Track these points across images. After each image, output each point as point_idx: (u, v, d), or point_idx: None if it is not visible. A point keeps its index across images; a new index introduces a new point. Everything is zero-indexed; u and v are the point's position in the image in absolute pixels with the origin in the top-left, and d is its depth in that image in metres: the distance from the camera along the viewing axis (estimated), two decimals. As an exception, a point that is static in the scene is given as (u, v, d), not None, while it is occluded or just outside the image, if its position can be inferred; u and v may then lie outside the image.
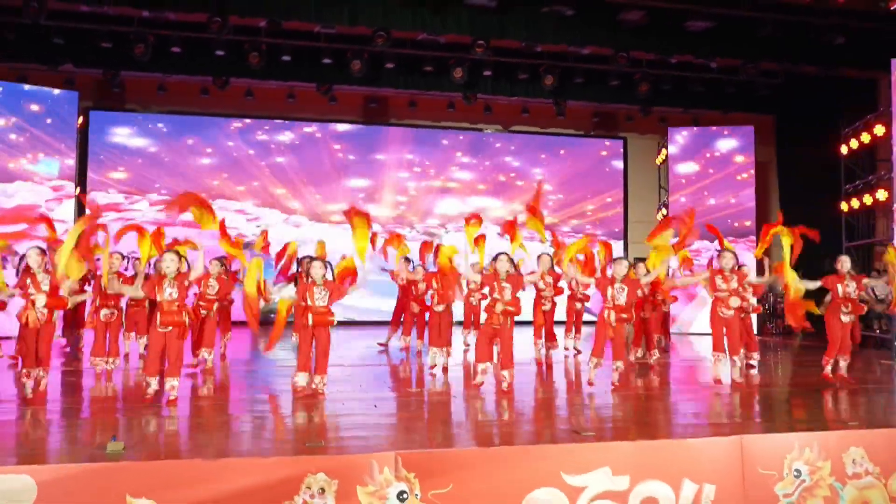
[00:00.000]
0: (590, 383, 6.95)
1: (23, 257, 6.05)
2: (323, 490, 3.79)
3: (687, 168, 15.07)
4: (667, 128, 15.67)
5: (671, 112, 15.91)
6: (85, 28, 11.90)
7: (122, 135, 14.91)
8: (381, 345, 10.32)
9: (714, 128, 15.31)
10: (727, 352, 7.34)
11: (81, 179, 14.07)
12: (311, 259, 7.06)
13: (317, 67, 13.06)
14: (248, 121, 15.46)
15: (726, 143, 15.02)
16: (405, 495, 3.87)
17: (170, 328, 5.84)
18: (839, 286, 7.30)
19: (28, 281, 5.85)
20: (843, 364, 7.36)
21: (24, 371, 5.84)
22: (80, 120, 13.70)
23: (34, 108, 12.83)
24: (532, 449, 4.35)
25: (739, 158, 14.84)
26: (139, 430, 4.94)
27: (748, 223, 14.53)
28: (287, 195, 15.57)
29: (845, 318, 7.28)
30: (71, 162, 13.14)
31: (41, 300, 5.73)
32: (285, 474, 3.78)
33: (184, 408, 5.74)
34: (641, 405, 6.28)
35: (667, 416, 5.96)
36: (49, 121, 12.92)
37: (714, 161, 15.02)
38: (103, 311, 7.55)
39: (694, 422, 5.60)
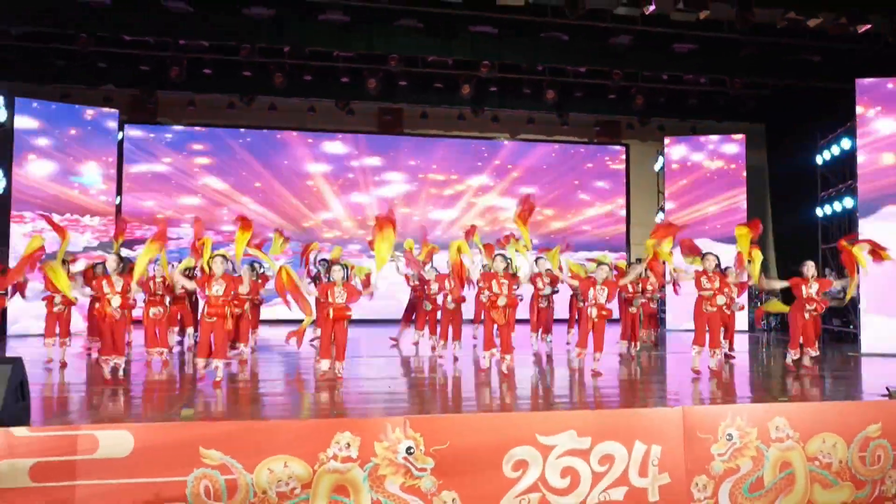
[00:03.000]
0: (576, 371, 7.97)
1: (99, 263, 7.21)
2: (349, 444, 4.87)
3: (682, 174, 16.00)
4: (666, 135, 16.63)
5: (669, 120, 16.87)
6: (126, 53, 13.10)
7: (154, 146, 16.13)
8: (392, 339, 11.35)
9: (708, 136, 16.23)
10: (707, 345, 8.19)
11: (118, 188, 15.34)
12: (333, 263, 8.17)
13: (336, 85, 14.22)
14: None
15: (719, 151, 15.94)
16: (412, 450, 4.94)
17: (215, 318, 6.98)
18: (803, 287, 8.29)
19: (104, 283, 7.00)
20: (812, 354, 8.32)
21: (103, 358, 7.00)
22: (120, 135, 14.93)
23: (78, 124, 14.05)
24: (513, 415, 5.44)
25: (732, 165, 15.75)
26: (203, 400, 6.15)
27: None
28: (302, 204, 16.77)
29: (807, 316, 8.28)
30: (112, 172, 14.39)
31: (117, 300, 6.89)
32: (320, 432, 4.88)
33: (234, 385, 6.92)
34: (611, 385, 7.33)
35: (628, 393, 7.01)
36: (92, 136, 14.15)
37: (707, 168, 15.94)
38: (152, 310, 8.73)
39: (649, 397, 6.69)
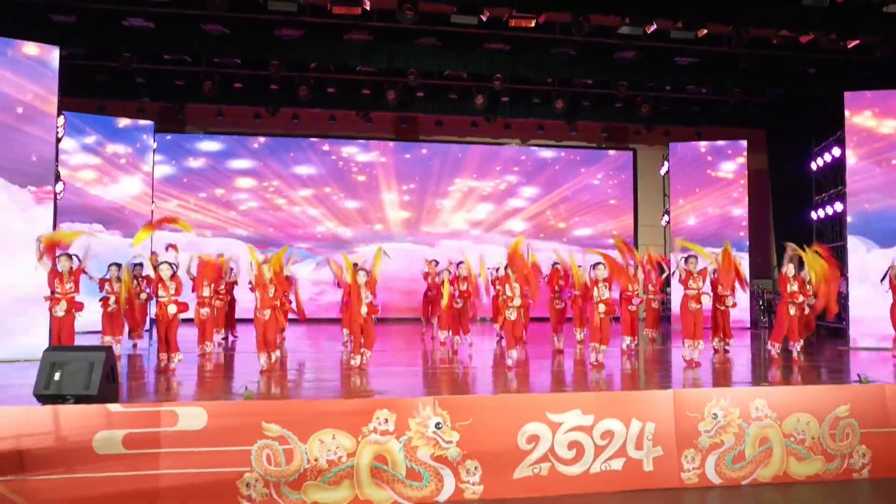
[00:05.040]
0: (592, 364, 8.74)
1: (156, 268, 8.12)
2: (387, 420, 5.73)
3: (686, 178, 16.72)
4: (671, 140, 17.37)
5: (675, 126, 17.60)
6: (163, 69, 14.04)
7: (184, 154, 17.07)
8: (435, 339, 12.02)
9: (710, 142, 16.96)
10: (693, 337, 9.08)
11: (152, 196, 16.26)
12: (358, 268, 9.01)
13: (357, 97, 15.10)
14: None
15: (721, 156, 16.66)
16: (440, 425, 5.79)
17: (269, 317, 7.84)
18: (787, 286, 9.11)
19: (159, 287, 7.91)
20: (797, 346, 9.13)
21: (160, 356, 7.94)
22: (154, 145, 15.85)
23: (115, 135, 14.95)
24: (526, 396, 6.28)
25: (734, 169, 16.47)
26: (259, 383, 7.16)
27: (742, 227, 16.19)
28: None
29: (792, 311, 9.09)
30: (147, 181, 15.31)
31: (173, 308, 7.81)
32: (362, 410, 5.75)
33: (284, 373, 7.81)
34: (613, 372, 8.19)
35: (627, 378, 7.88)
36: (129, 146, 15.07)
37: (710, 171, 16.66)
38: (202, 311, 9.64)
39: (645, 381, 7.56)
